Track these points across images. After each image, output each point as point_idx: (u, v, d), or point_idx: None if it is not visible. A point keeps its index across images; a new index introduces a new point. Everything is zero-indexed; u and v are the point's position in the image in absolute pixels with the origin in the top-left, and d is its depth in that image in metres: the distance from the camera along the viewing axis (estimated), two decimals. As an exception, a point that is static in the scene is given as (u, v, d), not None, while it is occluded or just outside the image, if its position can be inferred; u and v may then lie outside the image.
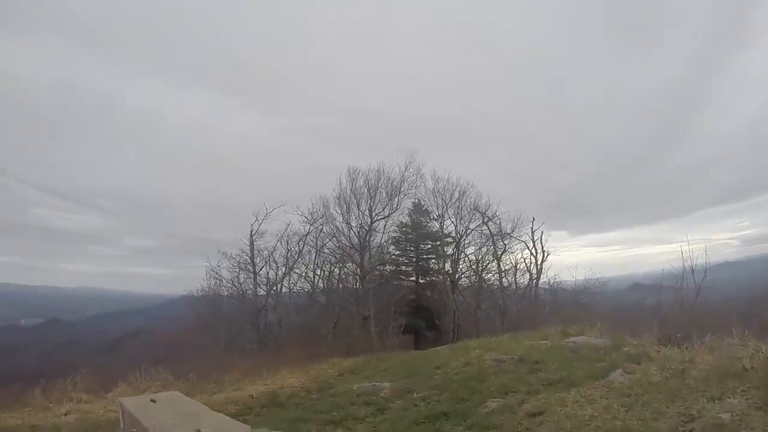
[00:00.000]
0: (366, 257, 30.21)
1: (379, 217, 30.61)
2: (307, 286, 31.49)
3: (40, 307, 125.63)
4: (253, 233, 28.97)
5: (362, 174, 30.59)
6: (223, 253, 29.37)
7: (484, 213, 32.36)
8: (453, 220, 33.32)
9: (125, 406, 4.64)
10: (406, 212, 34.65)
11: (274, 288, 29.99)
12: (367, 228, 30.21)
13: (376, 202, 30.36)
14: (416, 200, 34.24)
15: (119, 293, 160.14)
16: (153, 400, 4.34)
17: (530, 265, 33.16)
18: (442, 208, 33.16)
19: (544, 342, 12.93)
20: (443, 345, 23.56)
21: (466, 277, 34.52)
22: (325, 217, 30.16)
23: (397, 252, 36.47)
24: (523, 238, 32.91)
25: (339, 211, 30.45)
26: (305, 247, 30.13)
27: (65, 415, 8.80)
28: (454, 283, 32.61)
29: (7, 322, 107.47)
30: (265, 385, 11.42)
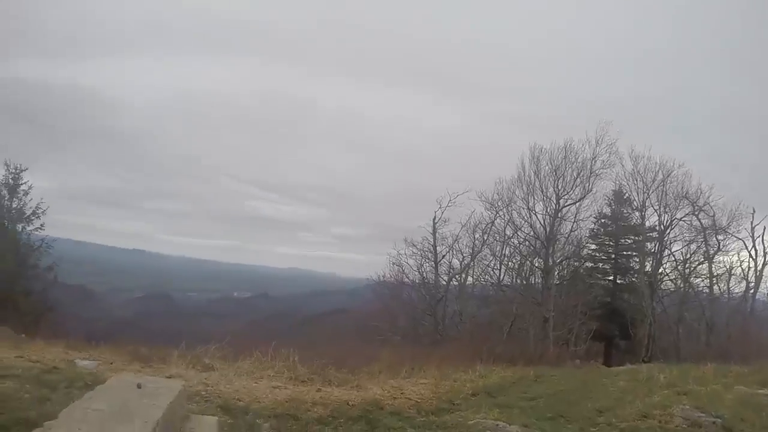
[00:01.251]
0: (550, 250, 26.95)
1: (569, 202, 26.92)
2: (493, 278, 30.13)
3: (252, 283, 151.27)
4: (436, 220, 28.62)
5: (546, 152, 27.20)
6: (407, 241, 29.52)
7: (695, 202, 26.69)
8: (656, 208, 28.11)
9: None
10: (605, 201, 30.68)
11: (457, 278, 29.44)
12: (552, 215, 26.78)
13: (563, 183, 26.65)
14: (616, 186, 29.90)
15: (325, 275, 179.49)
16: (139, 385, 3.85)
17: (747, 271, 26.89)
18: (643, 193, 28.23)
19: (764, 392, 9.04)
20: (634, 364, 20.08)
21: (671, 280, 29.48)
22: (509, 205, 28.02)
23: (594, 246, 32.33)
24: (741, 235, 26.57)
25: (520, 195, 27.65)
26: (489, 237, 28.83)
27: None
28: (654, 287, 27.88)
29: (223, 293, 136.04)
30: (383, 389, 9.53)
